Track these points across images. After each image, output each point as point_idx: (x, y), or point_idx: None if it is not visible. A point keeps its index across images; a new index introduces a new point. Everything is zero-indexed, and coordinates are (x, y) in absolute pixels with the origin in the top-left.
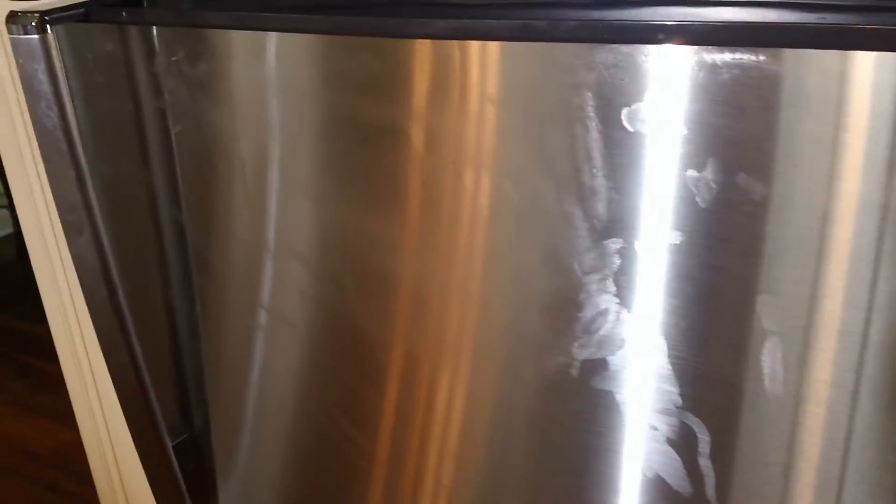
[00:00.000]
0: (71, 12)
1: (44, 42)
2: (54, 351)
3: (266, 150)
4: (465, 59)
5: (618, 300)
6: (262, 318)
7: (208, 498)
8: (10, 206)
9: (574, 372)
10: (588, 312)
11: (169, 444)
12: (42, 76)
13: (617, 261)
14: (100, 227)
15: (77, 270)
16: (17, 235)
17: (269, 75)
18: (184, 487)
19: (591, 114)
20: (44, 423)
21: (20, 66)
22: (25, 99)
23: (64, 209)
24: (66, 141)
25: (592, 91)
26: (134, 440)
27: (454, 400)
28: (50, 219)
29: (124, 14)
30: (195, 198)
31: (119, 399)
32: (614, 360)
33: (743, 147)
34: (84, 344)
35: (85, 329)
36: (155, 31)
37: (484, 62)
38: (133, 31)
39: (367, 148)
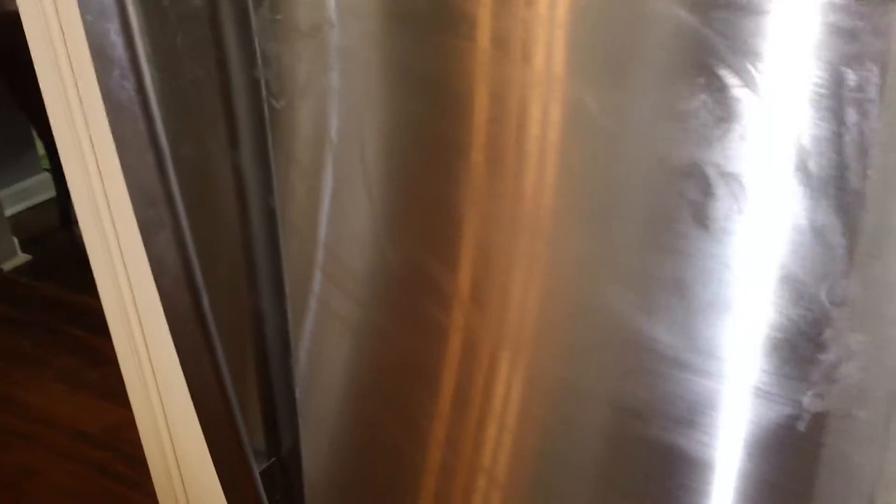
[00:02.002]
0: None
1: None
2: (103, 324)
3: (397, 131)
4: None
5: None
6: (372, 325)
7: None
8: (53, 170)
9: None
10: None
11: (256, 470)
12: (115, 38)
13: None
14: (182, 223)
15: (155, 275)
16: (61, 200)
17: (412, 40)
18: None
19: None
20: (94, 402)
21: (88, 26)
22: (95, 67)
23: (141, 202)
24: (144, 119)
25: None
26: (216, 466)
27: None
28: (102, 184)
29: None
30: (294, 186)
31: (201, 422)
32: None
33: None
34: (140, 322)
35: (140, 305)
36: None
37: None
38: None
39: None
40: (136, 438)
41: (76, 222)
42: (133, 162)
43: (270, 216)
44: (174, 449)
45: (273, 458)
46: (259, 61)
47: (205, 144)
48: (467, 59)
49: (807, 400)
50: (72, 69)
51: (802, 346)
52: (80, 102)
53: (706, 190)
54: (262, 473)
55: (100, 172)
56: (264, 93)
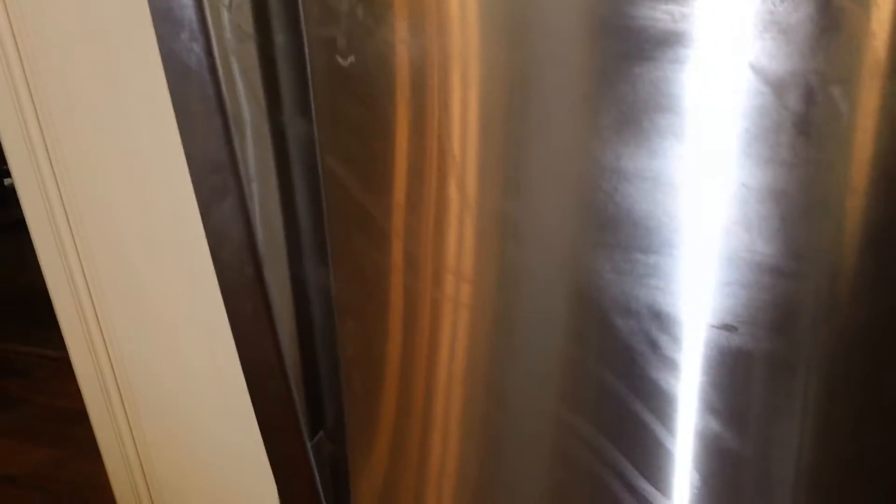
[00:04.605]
0: None
1: None
2: (5, 364)
3: (482, 80)
4: None
5: None
6: (414, 294)
7: None
8: None
9: None
10: None
11: (308, 444)
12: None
13: None
14: (247, 192)
15: (212, 246)
16: None
17: None
18: (321, 493)
19: None
20: (14, 445)
21: None
22: (158, 31)
23: (204, 170)
24: (212, 82)
25: None
26: (267, 443)
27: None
28: (65, 212)
29: None
30: (362, 147)
31: (252, 396)
32: None
33: None
34: (111, 363)
35: (110, 346)
36: None
37: None
38: None
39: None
40: (64, 476)
41: None
42: (197, 128)
43: (315, 180)
44: (149, 490)
45: (320, 432)
46: (334, 18)
47: (271, 109)
48: None
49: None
50: (25, 81)
51: None
52: (36, 113)
53: (809, 99)
54: (311, 447)
55: (60, 194)
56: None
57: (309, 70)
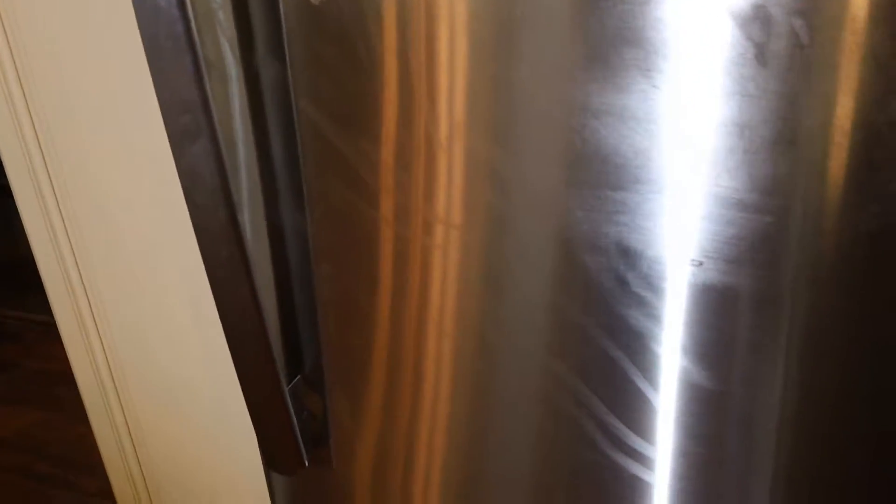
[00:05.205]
0: None
1: None
2: None
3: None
4: None
5: None
6: (391, 238)
7: (320, 450)
8: None
9: None
10: None
11: (285, 388)
12: None
13: None
14: (218, 132)
15: (186, 188)
16: None
17: None
18: (299, 437)
19: None
20: (3, 407)
21: None
22: None
23: (175, 111)
24: (182, 19)
25: None
26: (243, 386)
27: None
28: (49, 177)
29: None
30: (336, 89)
31: (229, 341)
32: None
33: None
34: (96, 327)
35: (97, 312)
36: None
37: None
38: None
39: None
40: (53, 437)
41: None
42: (167, 67)
43: (289, 119)
44: (136, 453)
45: (298, 377)
46: None
47: (239, 50)
48: None
49: (862, 223)
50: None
51: (861, 171)
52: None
53: (770, 30)
54: (289, 391)
55: (44, 159)
56: None
57: (281, 9)
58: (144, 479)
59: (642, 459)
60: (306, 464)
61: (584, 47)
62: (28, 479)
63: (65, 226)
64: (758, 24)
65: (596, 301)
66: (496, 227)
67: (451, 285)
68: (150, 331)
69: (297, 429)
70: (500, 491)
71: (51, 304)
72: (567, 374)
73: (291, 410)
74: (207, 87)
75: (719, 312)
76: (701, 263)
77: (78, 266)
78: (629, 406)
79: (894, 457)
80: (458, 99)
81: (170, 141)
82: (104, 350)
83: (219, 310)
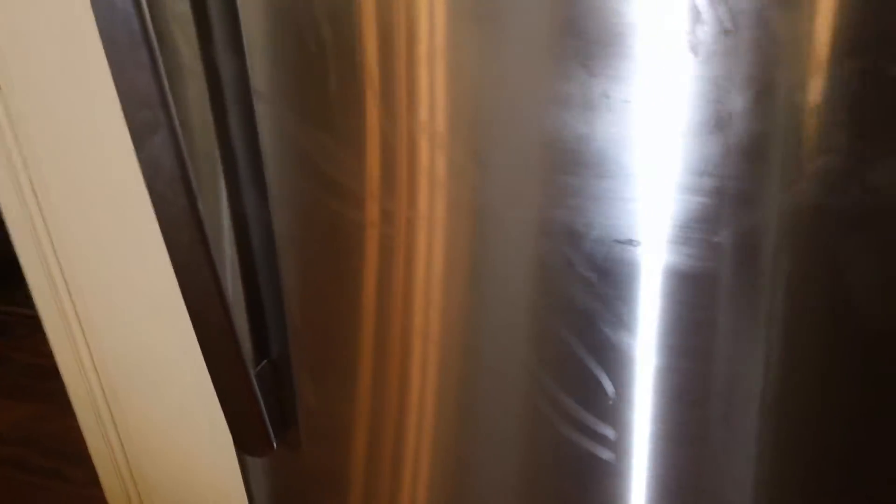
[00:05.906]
0: None
1: None
2: None
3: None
4: None
5: None
6: (357, 224)
7: (287, 434)
8: None
9: None
10: None
11: (251, 371)
12: None
13: None
14: (176, 124)
15: (148, 181)
16: None
17: None
18: (267, 421)
19: None
20: None
21: None
22: None
23: (134, 105)
24: (137, 15)
25: None
26: (210, 370)
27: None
28: (25, 162)
29: None
30: (293, 79)
31: (195, 326)
32: None
33: None
34: (79, 320)
35: (78, 303)
36: None
37: None
38: None
39: None
40: (43, 431)
41: None
42: (125, 61)
43: (249, 112)
44: (122, 444)
45: (265, 361)
46: None
47: (197, 41)
48: None
49: (786, 201)
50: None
51: (794, 150)
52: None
53: (696, 17)
54: (255, 376)
55: (19, 146)
56: None
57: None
58: (130, 469)
59: (604, 441)
60: (274, 446)
61: (534, 38)
62: (21, 471)
63: (43, 217)
64: (684, 11)
65: (546, 282)
66: (455, 212)
67: (405, 269)
68: (133, 323)
69: (264, 412)
70: (464, 466)
71: (34, 299)
72: (528, 356)
73: (258, 393)
74: (164, 80)
75: (661, 291)
76: (639, 243)
77: (59, 260)
78: (577, 384)
79: (874, 438)
80: (402, 86)
81: (130, 134)
82: (87, 343)
83: (183, 295)
